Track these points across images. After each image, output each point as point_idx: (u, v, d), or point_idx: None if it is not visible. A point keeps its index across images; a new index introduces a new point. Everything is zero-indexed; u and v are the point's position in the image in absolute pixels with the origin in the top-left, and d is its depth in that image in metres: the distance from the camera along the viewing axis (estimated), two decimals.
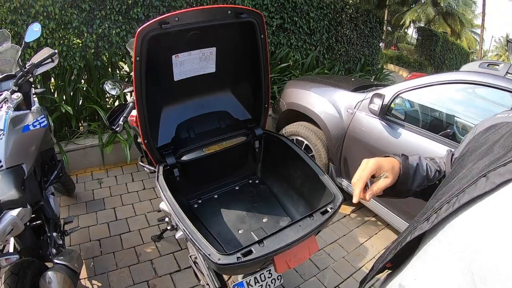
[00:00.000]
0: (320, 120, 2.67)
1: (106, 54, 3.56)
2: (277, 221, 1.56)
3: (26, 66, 1.67)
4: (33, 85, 1.88)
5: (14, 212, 1.25)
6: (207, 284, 1.46)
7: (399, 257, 0.60)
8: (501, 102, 2.07)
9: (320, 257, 2.24)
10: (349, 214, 2.76)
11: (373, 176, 0.79)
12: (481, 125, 0.70)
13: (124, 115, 1.75)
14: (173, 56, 1.34)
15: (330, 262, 2.22)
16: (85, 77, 3.59)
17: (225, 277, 1.59)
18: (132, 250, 2.17)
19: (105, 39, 3.50)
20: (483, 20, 18.18)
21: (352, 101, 2.53)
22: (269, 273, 1.35)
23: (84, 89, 3.40)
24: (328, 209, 1.23)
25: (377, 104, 2.26)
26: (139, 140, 1.92)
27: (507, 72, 1.87)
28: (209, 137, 1.65)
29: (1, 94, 1.57)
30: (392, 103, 2.29)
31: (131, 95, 2.13)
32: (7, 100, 1.56)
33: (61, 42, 3.28)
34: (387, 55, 12.16)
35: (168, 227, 2.02)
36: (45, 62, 1.72)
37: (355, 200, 0.81)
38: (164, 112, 1.56)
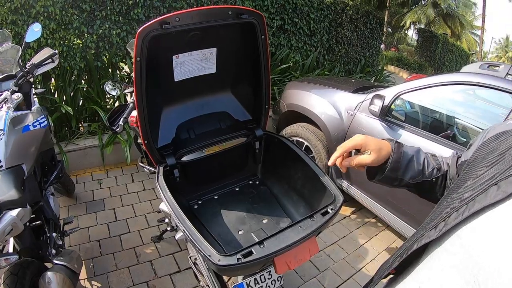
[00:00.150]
0: (320, 121, 2.67)
1: (107, 54, 3.57)
2: (277, 222, 1.56)
3: (27, 66, 1.67)
4: (33, 86, 1.88)
5: (14, 212, 1.25)
6: (207, 285, 1.45)
7: (403, 263, 0.59)
8: (501, 104, 2.07)
9: (320, 258, 2.24)
10: (349, 215, 2.75)
11: (358, 151, 0.79)
12: (491, 131, 0.69)
13: (124, 115, 1.75)
14: (174, 57, 1.34)
15: (330, 263, 2.21)
16: (85, 77, 3.59)
17: (225, 278, 1.59)
18: (132, 251, 2.16)
19: (106, 40, 3.51)
20: (483, 21, 18.22)
21: (353, 102, 2.53)
22: (269, 274, 1.35)
23: (85, 89, 3.40)
24: (329, 210, 1.22)
25: (377, 105, 2.26)
26: (139, 140, 1.92)
27: (507, 74, 1.87)
28: (210, 138, 1.65)
29: (1, 94, 1.57)
30: (393, 104, 2.28)
31: (131, 96, 2.13)
32: (7, 100, 1.56)
33: (61, 42, 3.28)
34: (387, 57, 12.17)
35: (168, 228, 2.01)
36: (45, 62, 1.72)
37: (330, 163, 0.81)
38: (164, 112, 1.56)
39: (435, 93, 2.23)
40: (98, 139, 3.10)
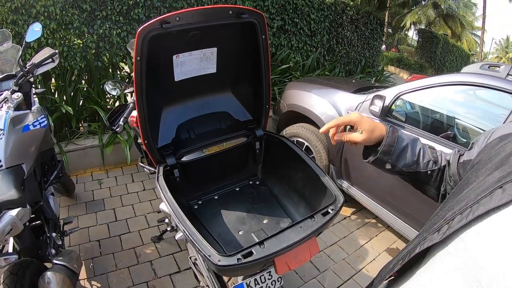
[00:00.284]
0: (320, 121, 2.66)
1: (107, 54, 3.57)
2: (277, 222, 1.56)
3: (27, 66, 1.67)
4: (33, 85, 1.87)
5: (13, 212, 1.25)
6: (207, 286, 1.45)
7: (404, 266, 0.58)
8: (501, 104, 2.07)
9: (320, 259, 2.23)
10: (349, 216, 2.75)
11: (352, 128, 0.82)
12: (495, 132, 0.69)
13: (124, 115, 1.74)
14: (174, 56, 1.33)
15: (330, 264, 2.21)
16: (85, 77, 3.59)
17: (225, 278, 1.58)
18: (131, 251, 2.16)
19: (106, 40, 3.51)
20: (483, 22, 18.23)
21: (353, 103, 2.53)
22: (269, 274, 1.35)
23: (85, 89, 3.40)
24: (329, 210, 1.22)
25: (378, 105, 2.25)
26: (139, 140, 1.91)
27: (508, 74, 1.87)
28: (210, 138, 1.64)
29: (2, 94, 1.57)
30: (393, 104, 2.28)
31: (131, 96, 2.12)
32: (7, 100, 1.56)
33: (62, 42, 3.28)
34: (387, 57, 12.17)
35: (168, 228, 2.01)
36: (45, 62, 1.72)
37: (321, 130, 0.85)
38: (165, 112, 1.56)
39: (435, 94, 2.23)
40: (98, 139, 3.10)
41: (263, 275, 1.33)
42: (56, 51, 1.75)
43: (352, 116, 0.81)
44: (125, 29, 3.57)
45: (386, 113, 2.26)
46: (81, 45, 3.38)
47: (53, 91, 3.33)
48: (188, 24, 1.18)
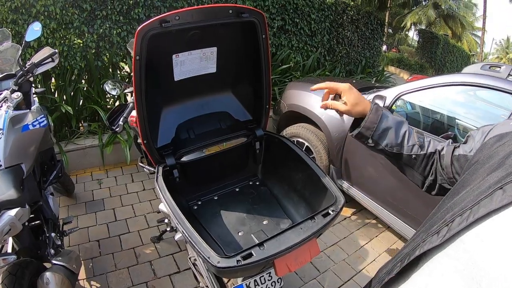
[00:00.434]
0: (321, 121, 2.66)
1: (107, 54, 3.56)
2: (277, 223, 1.55)
3: (26, 65, 1.66)
4: (33, 85, 1.87)
5: (12, 212, 1.24)
6: (206, 286, 1.44)
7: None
8: (502, 105, 2.06)
9: (321, 259, 2.23)
10: (349, 216, 2.74)
11: (340, 97, 0.86)
12: (493, 131, 0.68)
13: (124, 115, 1.74)
14: (174, 56, 1.33)
15: (331, 264, 2.20)
16: (85, 77, 3.58)
17: (225, 279, 1.58)
18: (131, 251, 2.15)
19: (106, 39, 3.50)
20: (484, 22, 18.19)
21: None
22: (269, 275, 1.34)
23: (85, 89, 3.39)
24: (330, 211, 1.21)
25: None
26: (139, 140, 1.91)
27: (508, 75, 1.86)
28: (210, 138, 1.64)
29: (1, 93, 1.57)
30: (394, 105, 2.27)
31: (131, 96, 2.12)
32: (7, 100, 1.56)
33: (62, 42, 3.27)
34: (388, 57, 12.16)
35: (168, 229, 2.00)
36: (45, 61, 1.72)
37: (311, 88, 0.90)
38: (164, 112, 1.55)
39: (436, 94, 2.22)
40: (98, 139, 3.09)
41: (263, 276, 1.32)
42: (56, 50, 1.74)
43: (342, 85, 0.84)
44: (125, 28, 3.56)
45: None
46: (81, 44, 3.38)
47: (53, 90, 3.32)
48: (188, 23, 1.17)
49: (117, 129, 1.71)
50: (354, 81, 3.61)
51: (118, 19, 3.51)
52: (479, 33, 21.42)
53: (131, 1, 3.52)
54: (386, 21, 13.24)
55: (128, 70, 3.89)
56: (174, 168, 1.49)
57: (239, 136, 1.72)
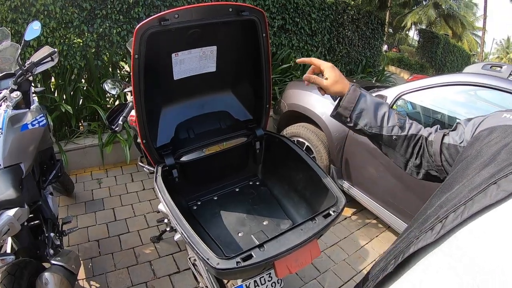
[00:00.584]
0: (321, 121, 2.65)
1: (107, 53, 3.55)
2: (278, 224, 1.54)
3: (26, 64, 1.65)
4: (32, 84, 1.86)
5: (11, 212, 1.23)
6: (206, 287, 1.43)
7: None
8: (503, 105, 2.05)
9: (321, 259, 2.22)
10: (350, 216, 2.73)
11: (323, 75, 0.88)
12: (483, 123, 0.68)
13: (123, 114, 1.73)
14: (173, 55, 1.32)
15: (331, 264, 2.19)
16: (85, 76, 3.58)
17: (225, 280, 1.57)
18: (131, 251, 2.15)
19: (106, 39, 3.49)
20: (484, 22, 18.14)
21: None
22: (269, 276, 1.33)
23: (85, 88, 3.39)
24: (331, 212, 1.20)
25: None
26: (139, 140, 1.90)
27: (510, 74, 1.85)
28: (209, 138, 1.63)
29: (0, 93, 1.56)
30: (394, 104, 2.26)
31: (131, 95, 2.11)
32: (6, 99, 1.55)
33: (61, 41, 3.27)
34: (388, 57, 12.15)
35: (167, 228, 2.00)
36: (44, 61, 1.71)
37: (298, 60, 0.93)
38: (163, 111, 1.54)
39: (437, 94, 2.21)
40: (97, 138, 3.08)
41: (263, 276, 1.31)
42: (55, 49, 1.73)
43: (325, 63, 0.88)
44: (125, 28, 3.55)
45: None
46: (81, 44, 3.37)
47: (52, 90, 3.31)
48: (188, 21, 1.16)
49: (117, 128, 1.70)
50: (354, 80, 3.60)
51: (118, 18, 3.50)
52: (480, 33, 21.39)
53: (131, 0, 3.51)
54: (387, 20, 13.21)
55: (128, 69, 3.88)
56: (174, 168, 1.48)
57: (239, 135, 1.71)
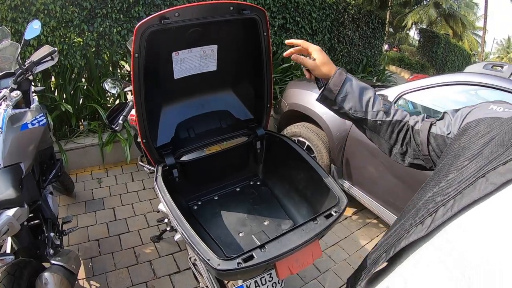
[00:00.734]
0: (322, 121, 2.64)
1: (107, 52, 3.55)
2: (278, 224, 1.53)
3: (26, 63, 1.65)
4: (32, 83, 1.85)
5: (10, 212, 1.23)
6: (207, 286, 1.43)
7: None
8: None
9: (321, 259, 2.21)
10: (350, 216, 2.73)
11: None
12: (470, 115, 0.67)
13: (124, 114, 1.73)
14: (173, 53, 1.31)
15: (331, 264, 2.19)
16: (85, 75, 3.57)
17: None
18: (131, 251, 2.14)
19: (106, 38, 3.48)
20: (485, 22, 18.13)
21: None
22: (270, 276, 1.32)
23: (85, 87, 3.38)
24: (333, 212, 1.19)
25: None
26: (139, 139, 1.89)
27: (511, 74, 1.85)
28: (210, 137, 1.62)
29: (0, 92, 1.55)
30: (395, 104, 2.26)
31: (131, 94, 2.10)
32: (6, 98, 1.54)
33: (61, 40, 3.26)
34: (389, 57, 12.13)
35: (168, 228, 1.99)
36: (44, 60, 1.70)
37: (287, 41, 0.93)
38: (164, 111, 1.54)
39: (438, 93, 2.20)
40: (98, 137, 3.08)
41: (263, 277, 1.31)
42: (55, 49, 1.73)
43: (314, 46, 0.89)
44: (125, 27, 3.55)
45: None
46: (81, 43, 3.36)
47: (53, 89, 3.31)
48: (188, 20, 1.15)
49: (117, 128, 1.69)
50: None
51: (118, 17, 3.49)
52: (480, 33, 21.37)
53: (131, 0, 3.50)
54: (387, 20, 13.20)
55: (128, 68, 3.87)
56: (174, 167, 1.47)
57: (239, 135, 1.71)
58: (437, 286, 0.45)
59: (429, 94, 2.20)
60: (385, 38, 7.73)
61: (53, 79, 3.39)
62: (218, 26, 1.33)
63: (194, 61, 1.40)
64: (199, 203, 1.67)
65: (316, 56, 0.86)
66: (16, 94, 1.58)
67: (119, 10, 3.48)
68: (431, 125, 0.77)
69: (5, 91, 1.54)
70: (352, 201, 2.65)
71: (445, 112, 0.77)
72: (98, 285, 1.89)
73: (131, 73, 1.18)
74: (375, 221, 2.69)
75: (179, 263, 2.07)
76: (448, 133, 0.72)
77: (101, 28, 3.40)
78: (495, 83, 1.82)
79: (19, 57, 1.76)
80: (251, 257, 1.00)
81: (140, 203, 2.64)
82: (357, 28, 6.04)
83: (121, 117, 1.70)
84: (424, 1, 18.30)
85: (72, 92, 3.26)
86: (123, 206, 2.59)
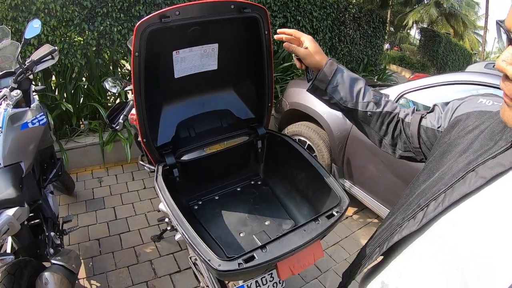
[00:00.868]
0: (323, 120, 2.64)
1: (108, 52, 3.54)
2: (279, 224, 1.52)
3: (26, 63, 1.64)
4: (33, 82, 1.85)
5: (10, 212, 1.22)
6: (207, 286, 1.42)
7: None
8: None
9: (322, 259, 2.20)
10: (351, 216, 2.72)
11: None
12: (460, 108, 0.67)
13: (124, 113, 1.72)
14: (174, 52, 1.30)
15: (332, 264, 2.18)
16: (86, 75, 3.57)
17: None
18: (131, 250, 2.14)
19: (107, 37, 3.48)
20: (486, 21, 18.09)
21: None
22: (271, 276, 1.32)
23: (85, 87, 3.38)
24: (334, 212, 1.18)
25: None
26: (140, 138, 1.89)
27: None
28: (210, 137, 1.61)
29: (0, 91, 1.55)
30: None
31: (132, 93, 2.10)
32: (6, 97, 1.54)
33: (62, 39, 3.26)
34: (390, 56, 12.11)
35: (168, 228, 1.99)
36: (45, 59, 1.70)
37: (279, 30, 0.93)
38: (164, 110, 1.53)
39: (439, 93, 2.19)
40: (98, 137, 3.07)
41: (264, 277, 1.30)
42: (56, 48, 1.72)
43: (306, 35, 0.89)
44: (126, 26, 3.54)
45: None
46: (82, 42, 3.36)
47: (53, 88, 3.31)
48: (189, 18, 1.15)
49: (117, 127, 1.69)
50: None
51: (119, 16, 3.48)
52: (481, 32, 21.32)
53: None
54: (388, 19, 13.17)
55: (128, 67, 3.87)
56: (174, 167, 1.46)
57: (240, 134, 1.70)
58: (430, 279, 0.45)
59: (430, 93, 2.19)
60: (386, 37, 7.72)
61: (53, 78, 3.39)
62: (219, 25, 1.32)
63: (195, 60, 1.39)
64: (200, 202, 1.66)
65: (308, 45, 0.86)
66: (17, 93, 1.58)
67: (119, 9, 3.47)
68: (421, 118, 0.77)
69: (5, 90, 1.54)
70: (353, 201, 2.64)
71: (435, 105, 0.77)
72: (98, 284, 1.89)
73: (131, 72, 1.17)
74: (376, 220, 2.68)
75: (179, 262, 2.07)
76: (439, 127, 0.72)
77: (102, 27, 3.40)
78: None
79: (19, 56, 1.75)
80: (252, 258, 0.99)
81: (141, 202, 2.64)
82: (358, 27, 6.03)
83: (121, 116, 1.69)
84: (425, 0, 18.28)
85: (72, 91, 3.26)
86: (123, 205, 2.59)
